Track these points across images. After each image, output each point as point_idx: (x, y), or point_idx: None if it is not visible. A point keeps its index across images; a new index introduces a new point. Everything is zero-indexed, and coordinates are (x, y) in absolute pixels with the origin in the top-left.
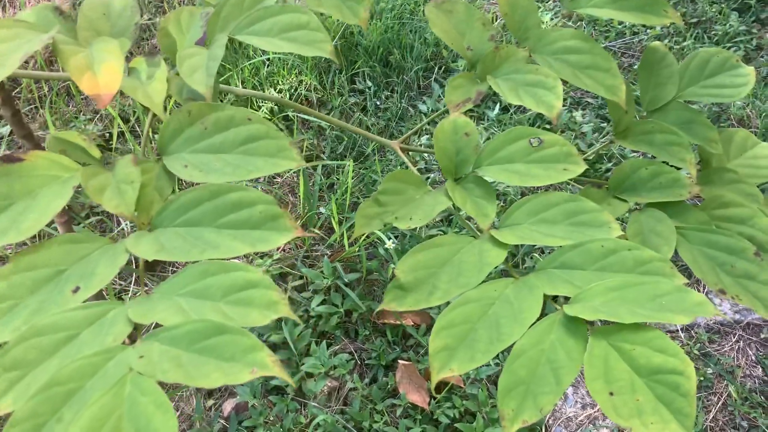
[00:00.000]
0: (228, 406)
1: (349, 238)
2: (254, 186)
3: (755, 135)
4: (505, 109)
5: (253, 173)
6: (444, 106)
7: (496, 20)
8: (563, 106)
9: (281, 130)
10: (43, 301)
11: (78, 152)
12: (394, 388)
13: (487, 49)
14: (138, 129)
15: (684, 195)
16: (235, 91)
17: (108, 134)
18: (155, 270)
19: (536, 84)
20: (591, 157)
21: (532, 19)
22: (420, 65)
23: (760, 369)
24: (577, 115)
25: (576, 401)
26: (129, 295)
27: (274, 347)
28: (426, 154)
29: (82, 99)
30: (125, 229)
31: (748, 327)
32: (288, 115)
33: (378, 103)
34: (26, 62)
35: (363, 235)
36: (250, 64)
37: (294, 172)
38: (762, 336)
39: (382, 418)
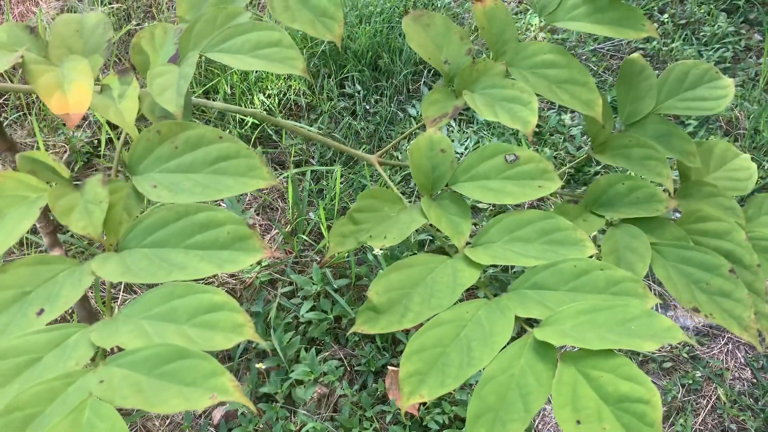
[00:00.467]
0: (218, 413)
1: None
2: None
3: (743, 136)
4: None
5: (223, 193)
6: None
7: (474, 32)
8: (552, 108)
9: (271, 134)
10: (6, 323)
11: (47, 172)
12: (383, 395)
13: (465, 63)
14: (128, 136)
15: (660, 210)
16: (213, 106)
17: (96, 141)
18: None
19: (512, 99)
20: (580, 162)
21: (510, 32)
22: (409, 69)
23: (749, 371)
24: (566, 118)
25: None
26: (118, 303)
27: (263, 354)
28: None
29: None
30: None
31: None
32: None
33: (367, 107)
34: (14, 69)
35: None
36: (242, 69)
37: (283, 178)
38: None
39: (371, 425)
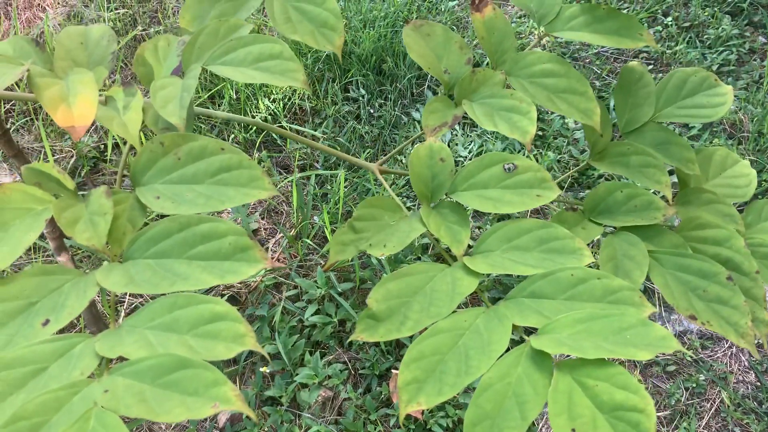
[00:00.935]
0: (223, 417)
1: None
2: None
3: (747, 139)
4: None
5: (225, 204)
6: None
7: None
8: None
9: (275, 139)
10: (13, 334)
11: (52, 183)
12: (387, 398)
13: (465, 72)
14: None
15: (658, 218)
16: (215, 115)
17: (103, 146)
18: None
19: (511, 109)
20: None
21: (509, 42)
22: (413, 73)
23: (753, 375)
24: (570, 121)
25: None
26: (124, 306)
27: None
28: None
29: None
30: None
31: None
32: (282, 125)
33: (372, 111)
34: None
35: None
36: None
37: (288, 182)
38: (755, 342)
39: (375, 428)
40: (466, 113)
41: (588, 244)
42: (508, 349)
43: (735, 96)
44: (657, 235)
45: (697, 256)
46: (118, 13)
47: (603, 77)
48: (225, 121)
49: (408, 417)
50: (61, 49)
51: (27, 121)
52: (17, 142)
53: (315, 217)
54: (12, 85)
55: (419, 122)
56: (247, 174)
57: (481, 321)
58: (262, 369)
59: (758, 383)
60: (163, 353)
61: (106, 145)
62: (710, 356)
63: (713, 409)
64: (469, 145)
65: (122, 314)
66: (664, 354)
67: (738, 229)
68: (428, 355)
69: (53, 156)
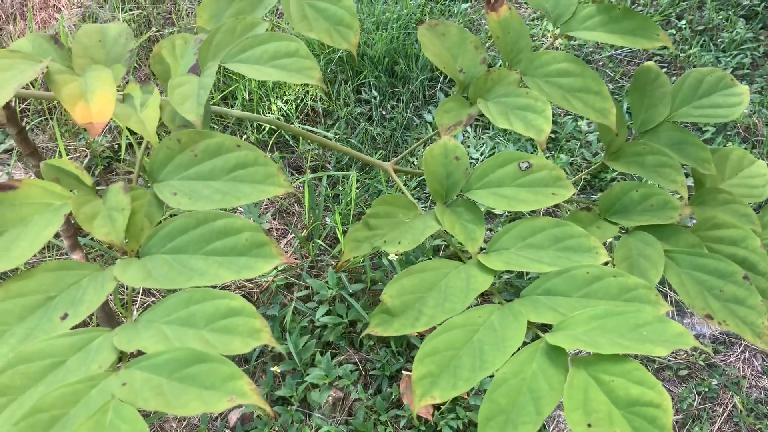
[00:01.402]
0: (234, 416)
1: None
2: None
3: (761, 143)
4: None
5: (241, 200)
6: None
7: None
8: (569, 114)
9: (288, 140)
10: (32, 328)
11: (71, 180)
12: (398, 399)
13: (479, 72)
14: (148, 143)
15: (674, 218)
16: (230, 113)
17: (116, 145)
18: None
19: (526, 108)
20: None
21: (524, 41)
22: (425, 75)
23: (766, 380)
24: (582, 124)
25: None
26: (137, 306)
27: (279, 358)
28: None
29: None
30: None
31: None
32: (295, 126)
33: (384, 112)
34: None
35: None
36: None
37: (300, 183)
38: None
39: (386, 429)
40: (479, 112)
41: (602, 245)
42: (522, 346)
43: (750, 100)
44: (673, 235)
45: (713, 256)
46: (133, 14)
47: (616, 80)
48: (237, 122)
49: (419, 418)
50: (80, 46)
51: (42, 120)
52: (32, 141)
53: (326, 218)
54: (27, 84)
55: (431, 124)
56: (263, 171)
57: (495, 317)
58: (273, 369)
59: None
60: (180, 347)
61: (119, 145)
62: (723, 361)
63: (726, 414)
64: (481, 147)
65: (134, 314)
66: (676, 358)
67: (754, 229)
68: (442, 350)
69: (67, 155)
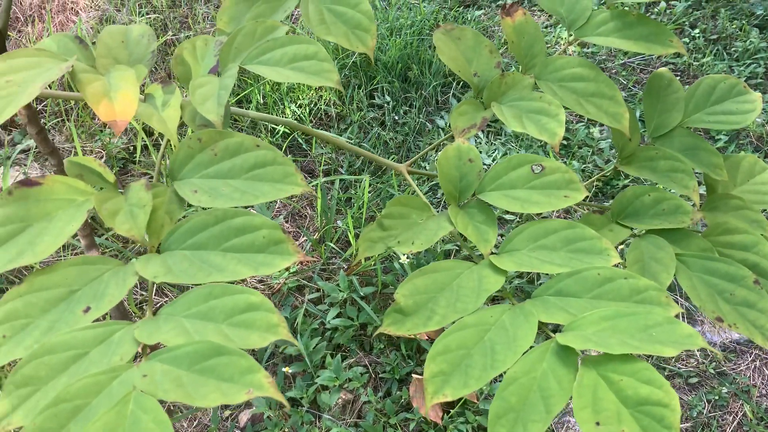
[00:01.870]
0: (244, 416)
1: None
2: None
3: None
4: None
5: (260, 198)
6: None
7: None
8: (581, 121)
9: (301, 143)
10: (55, 320)
11: (94, 176)
12: (407, 402)
13: (494, 75)
14: (161, 142)
15: (686, 222)
16: (248, 114)
17: (132, 147)
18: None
19: (540, 111)
20: (608, 175)
21: (538, 46)
22: (438, 81)
23: None
24: (595, 131)
25: None
26: (150, 306)
27: (289, 359)
28: None
29: None
30: None
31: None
32: None
33: (396, 118)
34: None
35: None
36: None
37: (313, 186)
38: None
39: None
40: (494, 116)
41: (615, 248)
42: (532, 346)
43: (762, 109)
44: (684, 239)
45: (724, 260)
46: (150, 18)
47: (629, 88)
48: (252, 125)
49: (428, 421)
50: (103, 47)
51: (58, 122)
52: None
53: (338, 222)
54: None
55: (443, 129)
56: (281, 170)
57: (507, 317)
58: (284, 370)
59: None
60: (200, 340)
61: (135, 147)
62: (733, 369)
63: (735, 423)
64: (493, 152)
65: (147, 313)
66: (686, 366)
67: (765, 235)
68: (454, 349)
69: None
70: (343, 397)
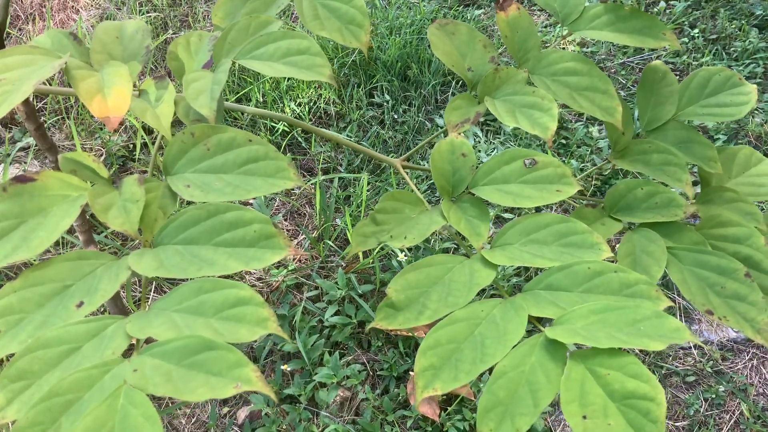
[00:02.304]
0: (242, 413)
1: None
2: (275, 197)
3: None
4: None
5: (252, 193)
6: None
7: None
8: (580, 120)
9: (300, 141)
10: (49, 315)
11: (88, 172)
12: (405, 400)
13: (488, 70)
14: (163, 141)
15: (679, 215)
16: (247, 111)
17: (131, 145)
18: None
19: (532, 106)
20: (606, 173)
21: (532, 41)
22: (438, 80)
23: None
24: (594, 130)
25: None
26: (149, 303)
27: (288, 356)
28: None
29: None
30: None
31: (762, 345)
32: None
33: (396, 116)
34: (52, 76)
35: (376, 248)
36: (271, 77)
37: (312, 184)
38: None
39: (392, 429)
40: (487, 111)
41: (607, 242)
42: (522, 339)
43: (761, 109)
44: (677, 232)
45: (715, 253)
46: (150, 16)
47: (628, 87)
48: (251, 122)
49: (425, 419)
50: (98, 42)
51: (58, 119)
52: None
53: (337, 220)
54: (46, 81)
55: (442, 128)
56: (273, 165)
57: (497, 311)
58: (282, 367)
59: None
60: (189, 335)
61: (134, 145)
62: (730, 368)
63: (732, 421)
64: (492, 151)
65: (142, 309)
66: (684, 364)
67: (759, 228)
68: (444, 343)
69: None
70: (341, 394)
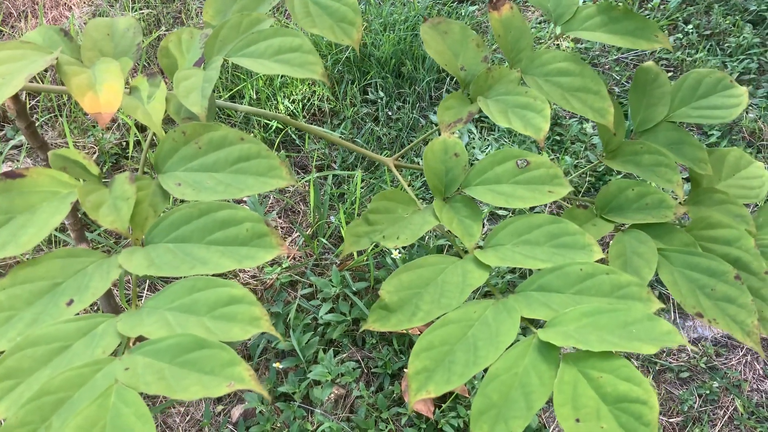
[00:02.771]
0: (236, 411)
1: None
2: (269, 194)
3: (767, 147)
4: None
5: (244, 192)
6: None
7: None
8: (574, 117)
9: (294, 139)
10: (39, 312)
11: (78, 169)
12: (399, 397)
13: (480, 69)
14: (155, 138)
15: (669, 216)
16: (239, 109)
17: (124, 143)
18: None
19: (525, 106)
20: (600, 170)
21: (525, 40)
22: (432, 76)
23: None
24: (588, 126)
25: None
26: (142, 301)
27: (282, 354)
28: None
29: None
30: None
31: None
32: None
33: (390, 113)
34: (45, 71)
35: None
36: (264, 74)
37: (306, 181)
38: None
39: (387, 427)
40: (480, 110)
41: (598, 242)
42: (515, 341)
43: (755, 105)
44: (667, 234)
45: (706, 255)
46: (143, 13)
47: (622, 84)
48: (245, 120)
49: (419, 416)
50: (89, 39)
51: (51, 117)
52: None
53: (331, 217)
54: (37, 78)
55: (437, 125)
56: (265, 163)
57: (490, 313)
58: (275, 365)
59: None
60: (182, 333)
61: (127, 143)
62: (724, 364)
63: (726, 417)
64: (486, 149)
65: (133, 307)
66: (677, 360)
67: (749, 230)
68: (437, 346)
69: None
70: (336, 392)
